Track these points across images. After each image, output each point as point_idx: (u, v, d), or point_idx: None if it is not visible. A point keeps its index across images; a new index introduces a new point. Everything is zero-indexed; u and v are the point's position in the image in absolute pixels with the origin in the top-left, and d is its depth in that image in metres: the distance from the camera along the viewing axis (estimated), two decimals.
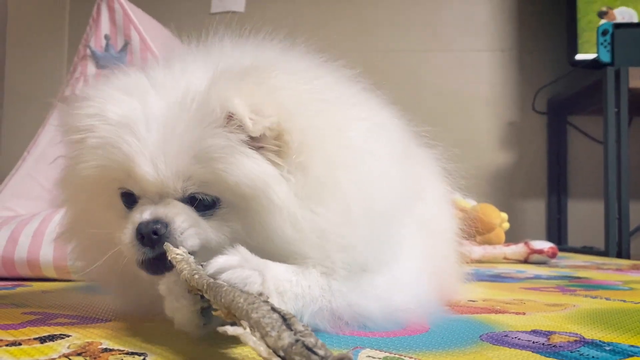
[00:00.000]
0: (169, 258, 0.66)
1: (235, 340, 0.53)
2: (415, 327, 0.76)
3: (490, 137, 3.32)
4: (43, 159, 2.07)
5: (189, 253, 0.68)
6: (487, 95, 3.37)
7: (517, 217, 2.98)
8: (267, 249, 0.70)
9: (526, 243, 2.13)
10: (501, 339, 0.71)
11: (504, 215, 2.36)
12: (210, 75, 0.70)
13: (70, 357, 0.59)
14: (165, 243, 0.68)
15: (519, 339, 0.72)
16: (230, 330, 0.49)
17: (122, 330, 0.73)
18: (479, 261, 2.10)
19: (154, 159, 0.68)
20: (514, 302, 1.06)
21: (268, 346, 0.46)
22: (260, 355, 0.46)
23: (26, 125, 2.55)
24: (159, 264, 0.69)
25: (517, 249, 2.13)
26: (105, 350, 0.62)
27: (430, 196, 0.94)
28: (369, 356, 0.61)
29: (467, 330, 0.76)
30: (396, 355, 0.61)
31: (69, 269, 1.42)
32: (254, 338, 0.47)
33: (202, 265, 0.66)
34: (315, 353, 0.44)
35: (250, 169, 0.67)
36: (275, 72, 0.69)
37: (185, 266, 0.64)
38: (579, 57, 3.07)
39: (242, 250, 0.68)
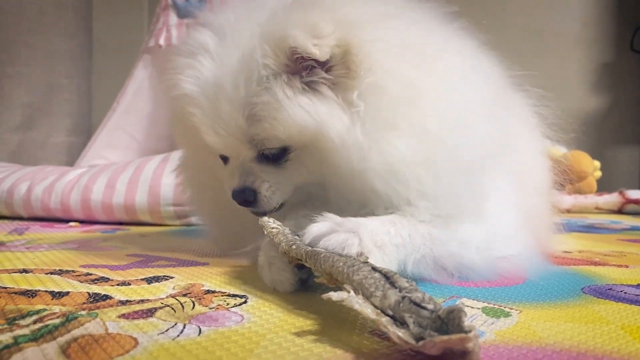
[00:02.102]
0: (265, 233, 0.68)
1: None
2: (511, 278, 0.74)
3: (581, 79, 3.09)
4: (130, 110, 2.16)
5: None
6: (578, 34, 3.12)
7: (609, 165, 2.81)
8: (343, 189, 0.70)
9: (621, 192, 2.02)
10: (605, 292, 0.68)
11: (597, 164, 2.24)
12: (258, 30, 0.68)
13: (177, 297, 0.62)
14: (260, 219, 0.70)
15: (625, 292, 0.68)
16: (334, 296, 0.48)
17: (220, 274, 0.76)
18: (569, 211, 2.01)
19: (215, 127, 0.71)
20: (614, 255, 1.00)
21: (375, 306, 0.46)
22: (367, 318, 0.45)
23: (114, 77, 2.65)
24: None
25: (610, 199, 2.02)
26: (208, 292, 0.65)
27: (524, 146, 0.89)
28: (467, 306, 0.60)
29: (567, 282, 0.73)
30: (495, 306, 0.60)
31: (162, 214, 1.50)
32: (360, 301, 0.47)
33: (298, 236, 0.66)
34: (424, 308, 0.43)
35: (297, 119, 0.66)
36: None
37: (282, 238, 0.65)
38: None
39: (331, 215, 0.67)
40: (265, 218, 0.70)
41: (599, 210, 2.04)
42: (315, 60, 0.65)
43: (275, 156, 0.72)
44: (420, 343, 0.40)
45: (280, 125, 0.67)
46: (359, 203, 0.70)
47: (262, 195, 0.73)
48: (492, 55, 0.83)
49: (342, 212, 0.69)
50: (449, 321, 0.41)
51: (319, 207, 0.71)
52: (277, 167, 0.73)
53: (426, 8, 0.76)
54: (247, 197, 0.73)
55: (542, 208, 0.97)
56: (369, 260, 0.54)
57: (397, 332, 0.42)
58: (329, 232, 0.64)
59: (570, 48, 3.11)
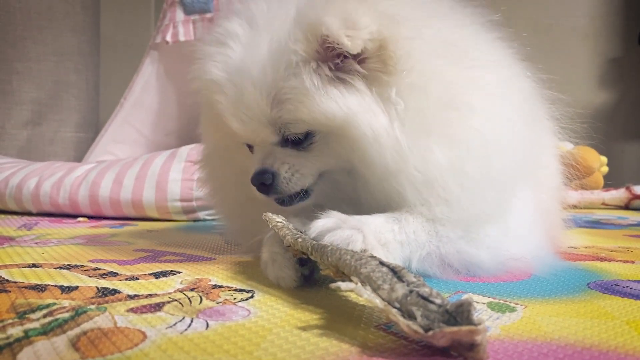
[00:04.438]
0: (270, 227, 0.68)
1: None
2: (517, 273, 0.74)
3: (589, 74, 3.08)
4: (138, 105, 2.17)
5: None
6: (586, 29, 3.10)
7: (616, 160, 2.79)
8: (371, 182, 0.69)
9: (628, 188, 2.01)
10: (611, 288, 0.68)
11: (603, 159, 2.23)
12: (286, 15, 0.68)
13: (185, 292, 0.63)
14: (264, 214, 0.70)
15: (630, 288, 0.68)
16: (343, 285, 0.48)
17: (227, 268, 0.77)
18: (575, 206, 2.00)
19: (239, 113, 0.70)
20: (620, 250, 1.00)
21: (382, 299, 0.46)
22: (376, 307, 0.46)
23: (121, 73, 2.67)
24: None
25: (617, 194, 2.02)
26: (215, 286, 0.66)
27: (544, 151, 0.90)
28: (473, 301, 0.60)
29: (572, 278, 0.74)
30: (500, 301, 0.60)
31: (169, 210, 1.51)
32: (368, 291, 0.47)
33: (301, 232, 0.66)
34: (432, 302, 0.43)
35: (324, 107, 0.65)
36: None
37: (287, 232, 0.65)
38: None
39: (335, 213, 0.67)
40: (270, 213, 0.70)
41: (606, 205, 2.04)
42: (348, 52, 0.63)
43: (299, 141, 0.70)
44: (430, 333, 0.41)
45: (305, 109, 0.65)
46: (382, 199, 0.70)
47: (281, 177, 0.71)
48: (523, 66, 0.81)
49: (367, 205, 0.70)
50: (458, 314, 0.41)
51: (342, 201, 0.72)
52: (301, 151, 0.71)
53: (469, 14, 0.74)
54: (265, 179, 0.71)
55: (554, 205, 0.97)
56: (375, 256, 0.54)
57: (406, 322, 0.42)
58: (334, 227, 0.64)
59: (578, 43, 3.10)
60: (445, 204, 0.68)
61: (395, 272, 0.49)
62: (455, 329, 0.40)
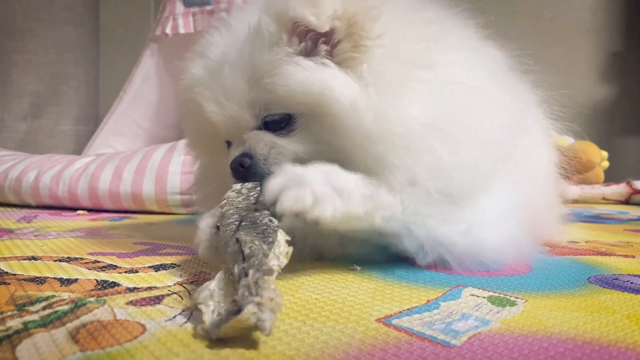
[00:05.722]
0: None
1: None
2: (517, 267, 0.74)
3: (590, 68, 3.07)
4: (138, 98, 2.17)
5: None
6: (588, 23, 3.09)
7: (617, 155, 2.79)
8: (354, 160, 0.67)
9: (628, 183, 2.01)
10: (611, 282, 0.68)
11: (604, 154, 2.22)
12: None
13: (184, 285, 0.63)
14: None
15: (631, 282, 0.68)
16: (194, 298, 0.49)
17: None
18: (576, 201, 2.01)
19: (216, 98, 0.72)
20: (620, 245, 1.00)
21: (237, 282, 0.46)
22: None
23: (121, 65, 2.66)
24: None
25: (617, 189, 2.02)
26: None
27: (532, 131, 0.88)
28: (473, 294, 0.60)
29: (573, 272, 0.73)
30: (501, 295, 0.60)
31: (169, 203, 1.51)
32: (205, 304, 0.47)
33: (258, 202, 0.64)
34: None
35: (299, 78, 0.65)
36: None
37: (227, 209, 0.63)
38: None
39: (289, 168, 0.63)
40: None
41: (606, 200, 2.04)
42: (321, 34, 0.65)
43: (279, 126, 0.70)
44: (215, 336, 0.43)
45: (281, 81, 0.66)
46: (368, 164, 0.67)
47: (258, 155, 0.70)
48: (493, 42, 0.83)
49: None
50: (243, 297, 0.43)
51: None
52: (282, 137, 0.70)
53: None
54: (243, 161, 0.69)
55: (546, 197, 0.97)
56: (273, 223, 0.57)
57: (200, 325, 0.45)
58: (283, 188, 0.61)
59: (580, 37, 3.09)
60: (428, 163, 0.66)
61: (242, 250, 0.50)
62: (225, 326, 0.42)
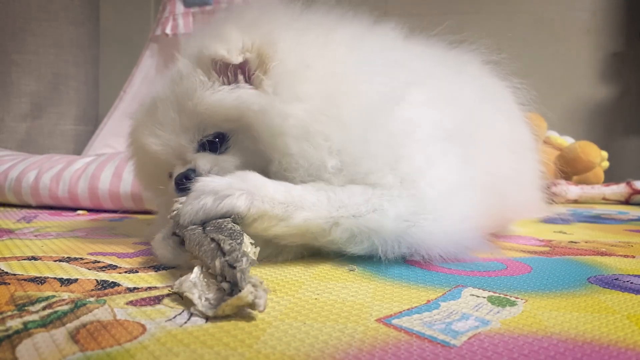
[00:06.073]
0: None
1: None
2: (517, 267, 0.74)
3: (591, 68, 3.07)
4: (138, 98, 2.16)
5: None
6: (588, 23, 3.09)
7: (617, 155, 2.79)
8: (271, 156, 0.76)
9: (628, 183, 2.01)
10: (611, 282, 0.68)
11: (604, 154, 2.22)
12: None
13: None
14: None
15: (631, 282, 0.68)
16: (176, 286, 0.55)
17: None
18: (576, 201, 2.00)
19: (152, 130, 0.81)
20: (620, 245, 1.00)
21: (215, 276, 0.53)
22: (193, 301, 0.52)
23: (121, 65, 2.66)
24: None
25: (618, 189, 2.01)
26: None
27: (490, 101, 0.92)
28: (473, 294, 0.60)
29: (572, 272, 0.73)
30: (501, 295, 0.60)
31: None
32: (189, 288, 0.53)
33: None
34: (234, 267, 0.51)
35: (215, 97, 0.76)
36: (252, 14, 0.80)
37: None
38: None
39: (206, 179, 0.70)
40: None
41: (606, 200, 2.03)
42: (237, 65, 0.76)
43: (215, 146, 0.79)
44: (211, 313, 0.48)
45: (201, 104, 0.76)
46: (283, 173, 0.75)
47: (202, 168, 0.77)
48: (386, 23, 0.91)
49: None
50: (234, 283, 0.49)
51: None
52: (219, 155, 0.79)
53: (321, 13, 0.86)
54: (187, 174, 0.76)
55: (517, 169, 0.96)
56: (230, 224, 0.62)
57: (195, 308, 0.50)
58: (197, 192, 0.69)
59: (580, 37, 3.09)
60: (332, 153, 0.73)
61: (220, 245, 0.55)
62: (224, 303, 0.47)
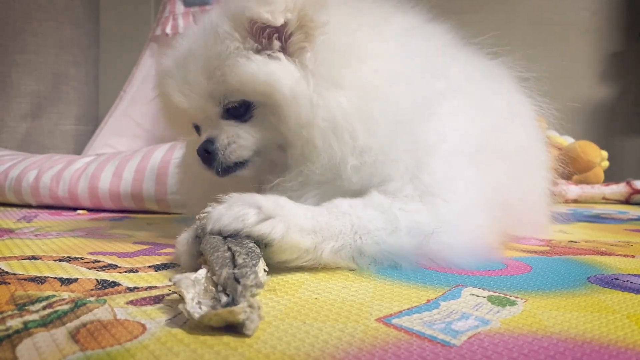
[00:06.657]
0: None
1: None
2: (517, 267, 0.74)
3: (590, 69, 3.07)
4: (138, 98, 2.16)
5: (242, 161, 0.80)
6: (587, 23, 3.09)
7: (617, 155, 2.79)
8: (292, 146, 0.76)
9: (628, 183, 2.01)
10: (611, 282, 0.68)
11: (604, 154, 2.22)
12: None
13: None
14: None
15: (631, 282, 0.68)
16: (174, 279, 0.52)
17: None
18: (576, 201, 2.01)
19: (181, 89, 0.80)
20: (620, 244, 1.00)
21: (217, 284, 0.51)
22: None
23: (121, 65, 2.65)
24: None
25: (617, 189, 2.01)
26: None
27: (515, 114, 0.92)
28: (473, 294, 0.60)
29: (572, 272, 0.73)
30: (501, 294, 0.60)
31: (169, 203, 1.51)
32: (186, 287, 0.50)
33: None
34: (240, 283, 0.49)
35: (247, 69, 0.73)
36: None
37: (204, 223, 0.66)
38: None
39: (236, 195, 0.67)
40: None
41: (606, 200, 2.03)
42: (275, 28, 0.72)
43: (239, 112, 0.78)
44: (197, 316, 0.45)
45: (232, 72, 0.74)
46: (302, 161, 0.75)
47: (219, 144, 0.78)
48: (440, 23, 0.89)
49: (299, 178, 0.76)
50: (234, 296, 0.47)
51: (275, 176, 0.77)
52: (241, 122, 0.78)
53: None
54: (207, 146, 0.78)
55: (531, 191, 0.96)
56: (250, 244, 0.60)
57: (183, 306, 0.47)
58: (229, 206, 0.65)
59: (579, 37, 3.08)
60: (356, 153, 0.72)
61: (234, 256, 0.54)
62: (217, 311, 0.45)
